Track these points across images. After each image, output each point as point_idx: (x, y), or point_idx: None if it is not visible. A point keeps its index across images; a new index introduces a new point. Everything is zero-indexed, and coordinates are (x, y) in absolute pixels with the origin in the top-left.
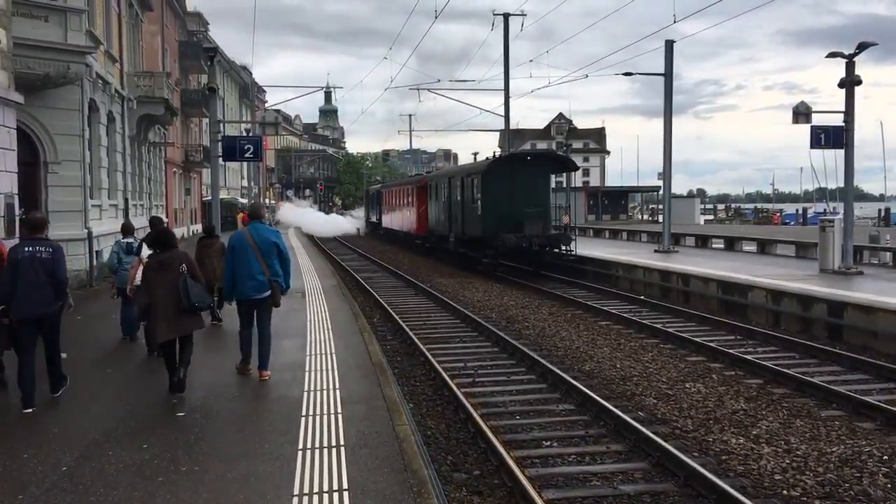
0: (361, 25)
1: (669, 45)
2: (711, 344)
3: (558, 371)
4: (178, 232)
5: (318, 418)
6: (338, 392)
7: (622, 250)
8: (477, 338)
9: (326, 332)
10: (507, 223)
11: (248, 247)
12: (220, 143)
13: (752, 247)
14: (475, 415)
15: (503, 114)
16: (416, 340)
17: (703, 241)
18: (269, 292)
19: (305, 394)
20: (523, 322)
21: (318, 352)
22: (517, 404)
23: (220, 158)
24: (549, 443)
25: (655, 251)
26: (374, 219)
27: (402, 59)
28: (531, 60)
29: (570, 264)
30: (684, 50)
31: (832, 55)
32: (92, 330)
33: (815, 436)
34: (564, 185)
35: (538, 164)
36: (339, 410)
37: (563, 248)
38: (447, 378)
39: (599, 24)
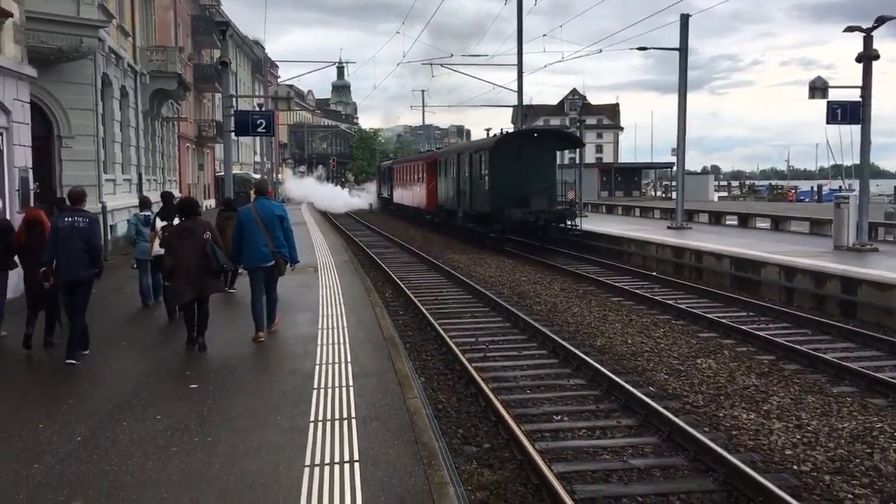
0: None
1: (685, 18)
2: (723, 320)
3: (569, 346)
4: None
5: (329, 391)
6: (349, 366)
7: (635, 226)
8: (488, 313)
9: (338, 306)
10: (513, 199)
11: (253, 221)
12: (232, 118)
13: (765, 223)
14: (486, 389)
15: (516, 89)
16: (428, 315)
17: (716, 218)
18: (273, 262)
19: (317, 367)
20: (535, 298)
21: (330, 326)
22: (528, 379)
23: (233, 133)
24: (559, 417)
25: (668, 227)
26: (385, 194)
27: (415, 34)
28: (545, 35)
29: (580, 240)
30: (700, 24)
31: (850, 29)
32: (107, 303)
33: (827, 412)
34: (577, 161)
35: (544, 140)
36: (351, 383)
37: (569, 222)
38: (458, 353)
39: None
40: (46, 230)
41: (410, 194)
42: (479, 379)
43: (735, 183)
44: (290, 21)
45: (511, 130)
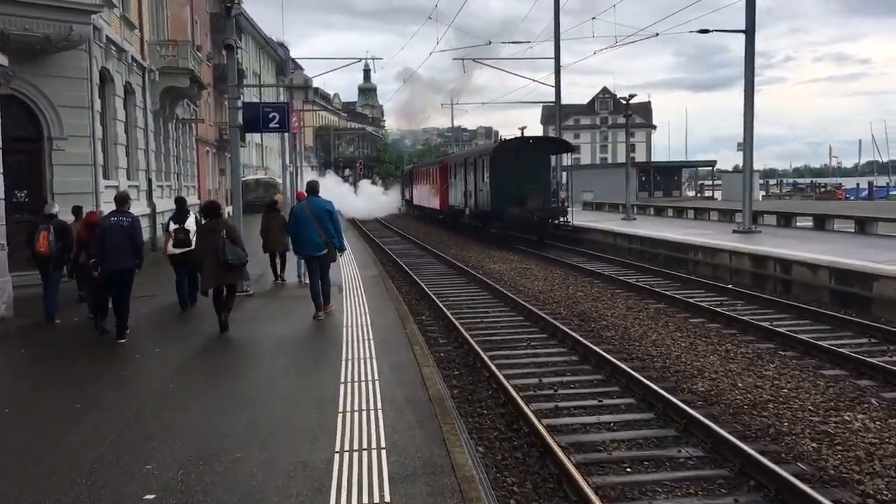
0: (401, 2)
1: None
2: (843, 350)
3: (665, 394)
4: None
5: None
6: (383, 455)
7: (695, 231)
8: (548, 341)
9: (367, 343)
10: (512, 198)
11: (306, 215)
12: (240, 112)
13: (843, 225)
14: (570, 467)
15: (552, 84)
16: (476, 347)
17: (785, 220)
18: (325, 251)
19: (336, 458)
20: (599, 320)
21: (356, 377)
22: (623, 447)
23: (243, 130)
24: None
25: (735, 231)
26: (407, 197)
27: (443, 33)
28: (594, 18)
29: (571, 234)
30: (730, 22)
31: None
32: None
33: None
34: (623, 162)
35: (539, 146)
36: (387, 498)
37: (561, 219)
38: (522, 404)
39: None
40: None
41: (427, 196)
42: (557, 450)
43: (773, 181)
44: (316, 24)
45: (510, 137)
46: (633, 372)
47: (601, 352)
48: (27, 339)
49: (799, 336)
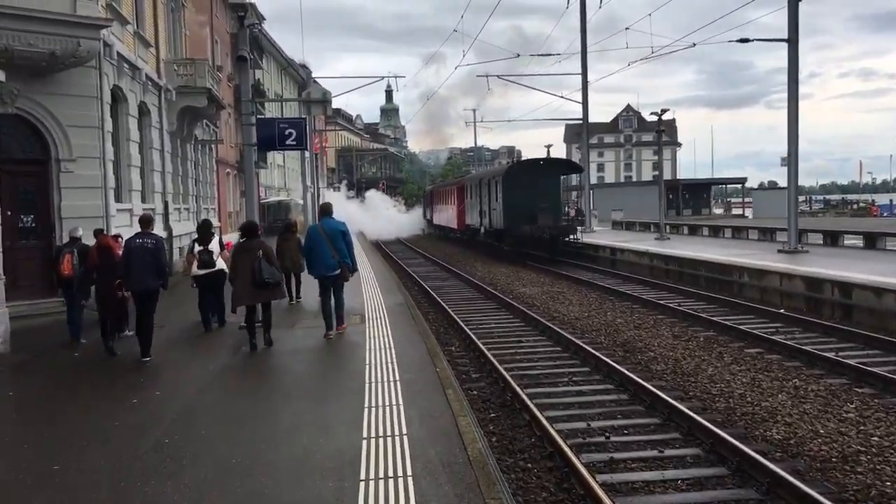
0: (423, 24)
1: (794, 3)
2: None
3: (738, 444)
4: (233, 237)
5: None
6: None
7: (736, 251)
8: (591, 375)
9: (393, 386)
10: (523, 217)
11: (320, 236)
12: (254, 129)
13: None
14: None
15: (578, 100)
16: (514, 384)
17: (832, 238)
18: (338, 271)
19: None
20: (646, 351)
21: (380, 430)
22: None
23: (258, 147)
24: None
25: (780, 251)
26: (428, 216)
27: (467, 55)
28: (627, 28)
29: (581, 250)
30: (756, 37)
31: None
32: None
33: None
34: (649, 180)
35: (549, 167)
36: None
37: (571, 236)
38: (572, 457)
39: (665, 14)
40: (114, 254)
41: (445, 216)
42: None
43: (801, 198)
44: (338, 48)
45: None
46: (694, 416)
47: (654, 389)
48: (18, 380)
49: (873, 370)
